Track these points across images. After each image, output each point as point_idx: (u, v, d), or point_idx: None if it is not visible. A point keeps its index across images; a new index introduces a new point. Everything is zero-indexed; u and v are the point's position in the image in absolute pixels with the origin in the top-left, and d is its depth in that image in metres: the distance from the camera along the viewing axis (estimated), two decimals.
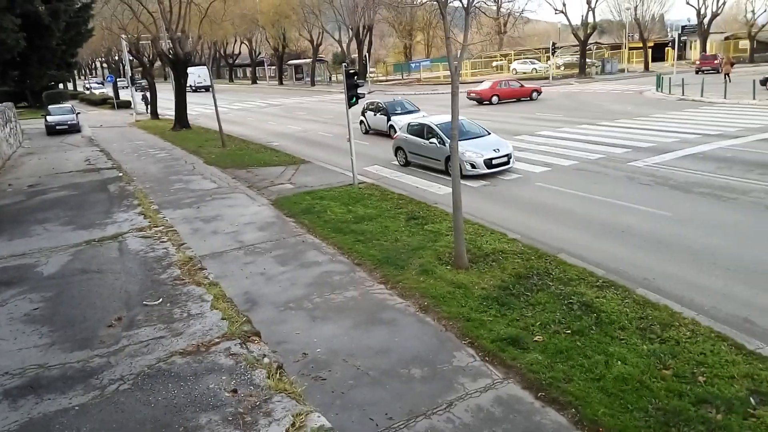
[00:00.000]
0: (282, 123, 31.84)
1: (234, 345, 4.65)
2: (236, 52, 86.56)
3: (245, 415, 3.66)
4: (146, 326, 5.52)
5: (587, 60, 53.31)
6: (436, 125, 15.98)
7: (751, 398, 5.35)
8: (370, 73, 64.11)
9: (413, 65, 68.58)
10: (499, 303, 7.67)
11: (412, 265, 9.19)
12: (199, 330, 5.10)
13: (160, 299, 6.10)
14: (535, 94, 34.74)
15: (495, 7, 67.38)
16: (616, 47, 63.61)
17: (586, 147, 18.08)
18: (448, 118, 16.28)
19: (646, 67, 54.61)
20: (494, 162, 15.13)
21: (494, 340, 6.73)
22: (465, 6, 9.27)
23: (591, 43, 56.76)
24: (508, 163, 15.46)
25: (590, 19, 52.27)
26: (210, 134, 27.02)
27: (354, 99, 14.53)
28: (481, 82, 38.16)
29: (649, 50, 57.30)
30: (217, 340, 4.76)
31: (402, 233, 10.79)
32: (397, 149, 17.60)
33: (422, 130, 16.49)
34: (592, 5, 51.06)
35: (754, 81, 28.39)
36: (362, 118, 24.50)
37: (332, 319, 7.68)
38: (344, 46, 62.51)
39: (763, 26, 55.30)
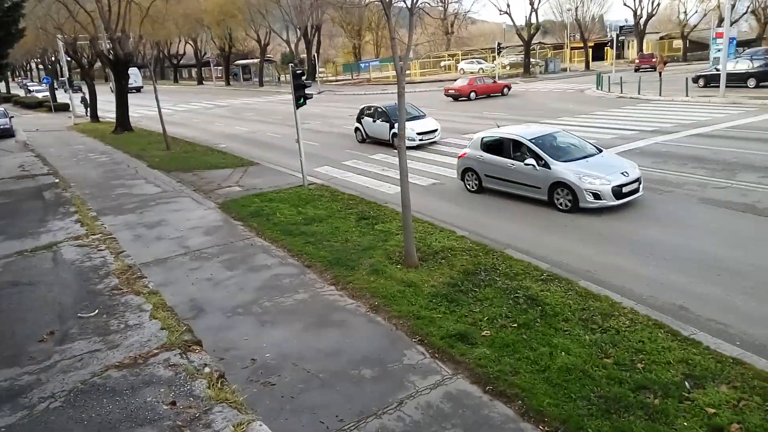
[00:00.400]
0: (229, 124, 31.21)
1: (173, 355, 4.49)
2: (181, 52, 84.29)
3: (184, 427, 3.53)
4: (80, 339, 5.27)
5: (531, 59, 54.68)
6: (531, 140, 12.11)
7: (685, 382, 5.58)
8: (320, 73, 63.75)
9: (363, 65, 68.62)
10: (448, 300, 7.74)
11: (362, 265, 9.16)
12: (136, 341, 4.90)
13: (96, 311, 5.84)
14: (506, 90, 36.84)
15: (441, 8, 68.32)
16: (558, 47, 65.59)
17: None
18: (541, 129, 13.38)
19: (587, 66, 56.51)
20: (625, 191, 11.25)
21: (443, 336, 6.78)
22: (409, 7, 9.32)
23: (535, 43, 58.27)
24: (638, 190, 11.64)
25: (533, 20, 53.66)
26: (154, 137, 26.17)
27: (302, 99, 14.38)
28: (455, 80, 39.91)
29: (590, 50, 59.32)
30: (155, 351, 4.59)
31: (352, 234, 10.75)
32: (466, 171, 13.62)
33: (507, 147, 12.54)
34: (535, 6, 52.45)
35: (686, 79, 29.81)
36: (357, 125, 21.74)
37: (282, 322, 7.56)
38: (293, 46, 61.89)
39: (695, 26, 58.21)
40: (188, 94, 59.19)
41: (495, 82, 37.76)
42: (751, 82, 29.46)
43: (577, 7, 59.37)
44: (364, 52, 78.41)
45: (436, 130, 19.57)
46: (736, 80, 29.24)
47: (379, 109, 20.58)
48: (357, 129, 21.88)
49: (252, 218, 12.15)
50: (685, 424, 4.99)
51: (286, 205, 12.92)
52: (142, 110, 39.59)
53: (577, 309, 7.23)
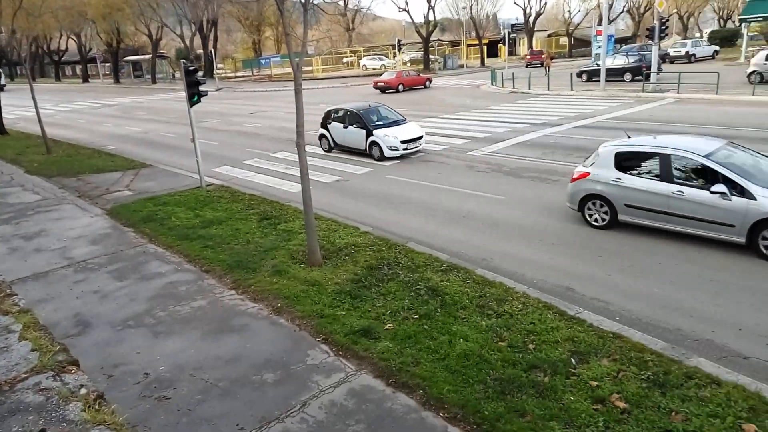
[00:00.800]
0: (119, 124, 29.26)
1: (45, 378, 4.10)
2: (63, 47, 77.79)
3: None
4: None
5: (430, 56, 56.11)
6: (709, 158, 8.74)
7: (572, 359, 5.95)
8: (218, 69, 61.53)
9: (263, 61, 67.03)
10: (351, 296, 7.74)
11: (264, 266, 8.95)
12: (2, 366, 4.42)
13: None
14: (428, 83, 39.89)
15: (342, 4, 68.34)
16: (455, 44, 67.73)
17: (431, 139, 18.94)
18: (706, 141, 9.57)
19: (483, 63, 58.87)
20: None
21: (347, 333, 6.78)
22: (303, 2, 9.17)
23: (433, 40, 59.88)
24: None
25: (431, 17, 55.03)
26: (32, 140, 23.95)
27: (196, 97, 13.77)
28: (381, 74, 42.13)
29: (485, 47, 61.86)
30: (24, 375, 4.17)
31: (254, 235, 10.46)
32: (589, 199, 10.03)
33: (666, 167, 9.09)
34: (432, 4, 53.81)
35: (571, 74, 31.91)
36: (323, 131, 18.26)
37: (178, 332, 7.21)
38: (187, 41, 59.18)
39: (579, 24, 62.45)
40: (72, 93, 54.78)
41: (419, 75, 40.65)
42: (627, 77, 32.06)
43: (471, 5, 61.69)
44: (264, 48, 76.66)
45: (421, 137, 17.00)
46: (615, 75, 31.72)
47: (351, 113, 17.39)
48: (322, 136, 18.38)
49: (144, 224, 11.47)
50: (572, 398, 5.32)
51: (182, 208, 12.34)
52: (18, 111, 36.14)
53: (475, 296, 7.50)
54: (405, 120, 17.61)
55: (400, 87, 37.57)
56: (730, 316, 6.90)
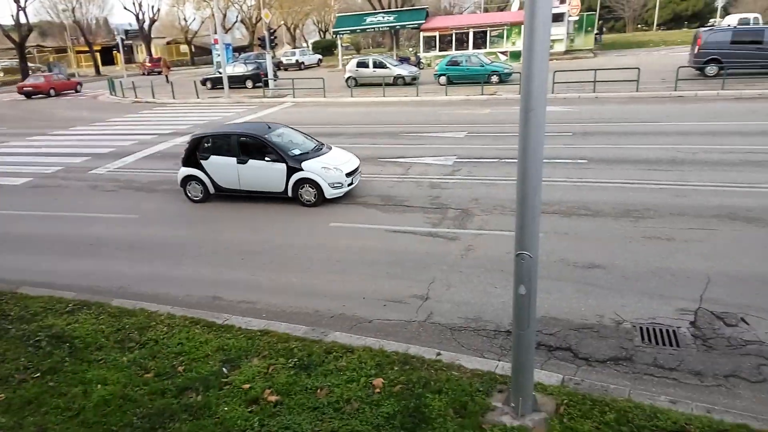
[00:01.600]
0: None
1: None
2: None
3: None
4: None
5: (30, 64, 48.10)
6: None
7: (223, 369, 5.85)
8: None
9: None
10: None
11: None
12: None
13: None
14: (79, 87, 40.17)
15: None
16: (62, 50, 59.81)
17: (41, 160, 16.29)
18: None
19: (98, 71, 53.73)
20: None
21: None
22: None
23: (31, 46, 51.40)
24: None
25: (23, 20, 47.01)
26: None
27: None
28: (27, 77, 41.51)
29: (98, 54, 56.46)
30: None
31: None
32: None
33: None
34: (23, 5, 45.97)
35: (195, 82, 31.81)
36: (192, 170, 11.85)
37: None
38: None
39: (197, 32, 62.84)
40: None
41: (69, 80, 41.04)
42: (249, 83, 33.76)
43: (74, 8, 55.14)
44: None
45: (359, 167, 12.06)
46: (237, 82, 33.01)
47: (249, 138, 11.47)
48: (190, 179, 11.93)
49: None
50: (226, 408, 5.22)
51: None
52: None
53: (112, 332, 6.66)
54: (323, 145, 12.25)
55: (52, 91, 37.53)
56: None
